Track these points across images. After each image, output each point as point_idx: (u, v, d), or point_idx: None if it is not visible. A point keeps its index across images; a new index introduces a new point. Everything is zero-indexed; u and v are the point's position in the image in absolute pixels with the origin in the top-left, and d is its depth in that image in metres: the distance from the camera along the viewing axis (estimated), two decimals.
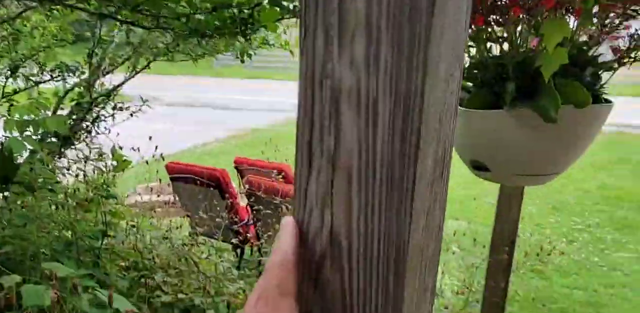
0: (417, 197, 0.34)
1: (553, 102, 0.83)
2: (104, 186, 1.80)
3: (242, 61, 1.06)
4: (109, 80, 2.41)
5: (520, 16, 0.82)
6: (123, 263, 1.93)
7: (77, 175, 1.77)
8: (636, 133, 8.14)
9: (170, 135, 7.85)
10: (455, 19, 0.35)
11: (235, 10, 0.97)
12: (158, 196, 3.99)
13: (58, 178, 1.99)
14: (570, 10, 0.79)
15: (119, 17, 0.94)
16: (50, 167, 1.96)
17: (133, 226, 1.98)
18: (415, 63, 0.32)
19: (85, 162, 1.79)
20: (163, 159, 2.14)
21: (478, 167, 1.03)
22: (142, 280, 1.85)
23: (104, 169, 1.84)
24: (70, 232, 1.70)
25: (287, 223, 0.37)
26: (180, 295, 1.78)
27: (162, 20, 0.99)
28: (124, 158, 1.77)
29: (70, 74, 2.15)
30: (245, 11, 0.94)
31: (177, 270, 1.91)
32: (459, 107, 0.96)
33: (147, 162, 2.06)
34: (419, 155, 0.33)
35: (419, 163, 0.33)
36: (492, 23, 0.83)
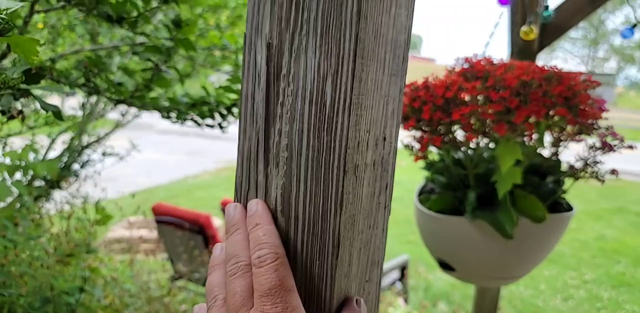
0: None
1: (509, 219, 0.84)
2: (86, 241, 1.81)
3: (223, 131, 1.10)
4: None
5: (476, 139, 0.85)
6: None
7: (59, 233, 1.78)
8: (635, 180, 8.11)
9: (162, 164, 7.89)
10: (366, 241, 0.38)
11: (214, 106, 1.01)
12: (144, 230, 3.98)
13: (42, 223, 2.00)
14: (523, 134, 0.81)
15: (109, 95, 0.97)
16: (36, 210, 1.98)
17: (113, 279, 1.98)
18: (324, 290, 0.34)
19: (69, 217, 1.81)
20: (139, 208, 2.16)
21: (444, 266, 1.04)
22: None
23: (85, 222, 1.86)
24: (48, 288, 1.70)
25: (261, 210, 0.37)
26: None
27: (145, 104, 1.03)
28: (107, 214, 1.78)
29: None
30: (223, 110, 0.98)
31: None
32: (425, 210, 0.98)
33: (121, 208, 2.08)
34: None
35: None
36: (449, 143, 0.85)
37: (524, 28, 1.22)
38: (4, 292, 1.56)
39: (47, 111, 0.67)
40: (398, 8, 0.37)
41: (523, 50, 1.46)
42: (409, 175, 4.49)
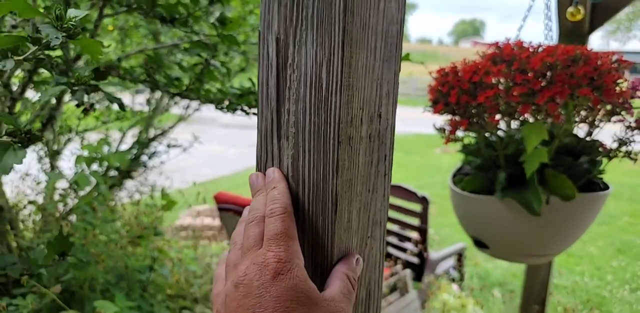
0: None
1: (536, 197, 0.87)
2: (153, 224, 1.98)
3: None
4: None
5: (503, 120, 0.88)
6: (169, 292, 2.09)
7: (129, 217, 1.96)
8: None
9: (225, 157, 8.20)
10: (365, 202, 0.45)
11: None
12: (210, 218, 4.20)
13: (116, 209, 2.20)
14: (550, 115, 0.83)
15: (167, 89, 1.09)
16: (110, 198, 2.18)
17: (179, 260, 2.14)
18: (326, 242, 0.43)
19: (138, 202, 1.99)
20: (199, 194, 2.31)
21: (478, 244, 1.08)
22: (184, 311, 2.00)
23: (153, 207, 2.03)
24: (122, 265, 1.88)
25: (277, 176, 0.45)
26: None
27: (199, 97, 1.13)
28: (171, 199, 1.94)
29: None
30: None
31: None
32: (458, 190, 1.02)
33: (183, 194, 2.25)
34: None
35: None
36: (476, 124, 0.89)
37: (570, 9, 1.22)
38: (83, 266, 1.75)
39: (112, 102, 0.79)
40: (387, 2, 0.43)
41: (572, 32, 1.44)
42: None
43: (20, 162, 0.59)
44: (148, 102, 2.46)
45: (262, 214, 0.43)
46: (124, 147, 2.74)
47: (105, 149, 2.29)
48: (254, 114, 1.14)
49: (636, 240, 4.79)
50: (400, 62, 0.47)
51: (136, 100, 2.95)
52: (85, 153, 2.15)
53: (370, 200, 0.47)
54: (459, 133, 0.98)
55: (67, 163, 2.20)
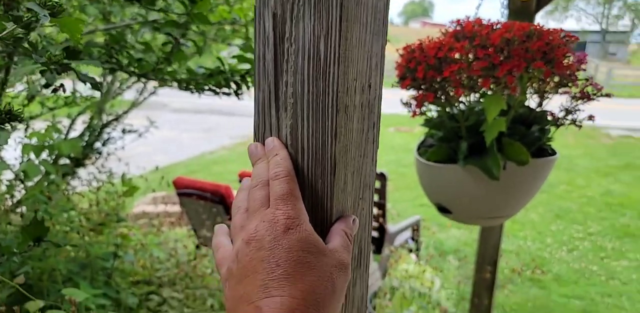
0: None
1: (495, 162, 0.95)
2: (115, 210, 1.95)
3: (239, 98, 1.19)
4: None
5: (464, 93, 0.94)
6: (132, 279, 2.08)
7: (90, 203, 1.92)
8: None
9: (178, 142, 8.05)
10: (358, 166, 0.49)
11: (229, 75, 1.11)
12: (166, 205, 4.15)
13: (72, 199, 2.14)
14: (507, 87, 0.90)
15: (132, 70, 1.08)
16: (64, 187, 2.12)
17: (142, 245, 2.12)
18: (325, 202, 0.46)
19: (98, 189, 1.95)
20: (163, 178, 2.29)
21: (441, 209, 1.15)
22: (151, 296, 2.00)
23: (114, 193, 1.99)
24: (84, 254, 1.85)
25: (277, 144, 0.47)
26: (186, 310, 1.93)
27: (165, 78, 1.13)
28: (133, 185, 1.91)
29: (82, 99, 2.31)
30: (237, 77, 1.08)
31: (184, 285, 2.05)
32: (423, 160, 1.08)
33: (145, 179, 2.22)
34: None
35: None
36: (441, 98, 0.95)
37: None
38: (43, 256, 1.71)
39: (84, 82, 0.78)
40: None
41: (520, 10, 1.53)
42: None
43: (5, 143, 0.58)
44: (97, 90, 2.37)
45: (265, 179, 0.46)
46: (73, 134, 2.64)
47: (55, 136, 2.21)
48: (224, 93, 1.15)
49: (572, 206, 5.15)
50: (386, 36, 0.51)
51: (81, 84, 2.85)
52: (33, 141, 2.07)
53: (362, 164, 0.51)
54: (423, 108, 1.04)
55: (10, 154, 2.10)
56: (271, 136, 0.49)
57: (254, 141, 0.51)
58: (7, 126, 0.57)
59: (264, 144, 0.49)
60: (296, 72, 0.46)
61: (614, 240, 4.33)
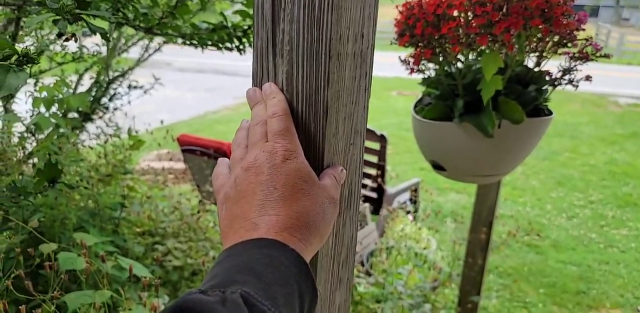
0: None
1: (490, 120, 0.97)
2: (122, 163, 2.01)
3: (241, 53, 1.21)
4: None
5: (462, 51, 0.96)
6: (138, 230, 2.16)
7: (98, 154, 1.98)
8: None
9: (181, 101, 8.06)
10: (349, 112, 0.52)
11: (231, 30, 1.12)
12: (170, 159, 4.22)
13: (81, 152, 2.20)
14: (505, 45, 0.92)
15: (138, 24, 1.10)
16: (73, 140, 2.17)
17: (148, 197, 2.19)
18: (317, 145, 0.50)
19: (106, 142, 2.00)
20: (168, 132, 2.35)
21: (436, 167, 1.19)
22: (156, 246, 2.09)
23: (120, 147, 2.05)
24: (93, 203, 1.92)
25: (274, 89, 0.51)
26: (189, 260, 2.02)
27: (169, 32, 1.15)
28: (139, 139, 1.96)
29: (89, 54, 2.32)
30: (239, 33, 1.10)
31: (187, 237, 2.13)
32: (420, 118, 1.11)
33: (151, 133, 2.28)
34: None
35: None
36: (439, 55, 0.97)
37: None
38: (54, 204, 1.78)
39: (94, 33, 0.80)
40: None
41: None
42: None
43: (25, 82, 0.62)
44: (106, 40, 2.38)
45: (263, 118, 0.49)
46: (81, 89, 2.67)
47: (64, 90, 2.24)
48: (226, 48, 1.17)
49: (575, 174, 5.17)
50: None
51: (90, 40, 2.84)
52: (43, 94, 2.10)
53: (353, 111, 0.54)
54: (421, 66, 1.06)
55: (21, 107, 2.15)
56: (268, 81, 0.52)
57: (252, 86, 0.54)
58: (26, 68, 0.61)
59: (262, 89, 0.53)
60: (292, 20, 0.48)
61: (615, 208, 4.37)
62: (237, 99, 8.44)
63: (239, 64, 10.80)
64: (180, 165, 3.91)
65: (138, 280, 1.76)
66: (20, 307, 1.04)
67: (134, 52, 2.73)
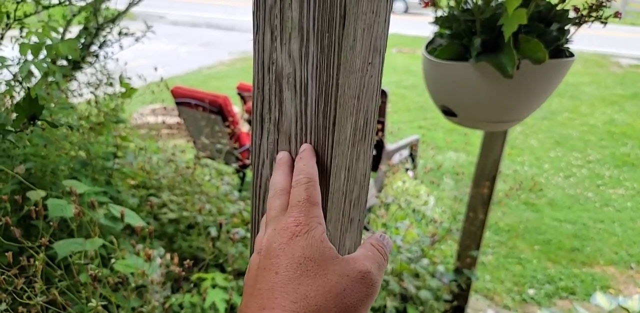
0: (336, 157, 0.46)
1: (510, 59, 0.90)
2: (114, 111, 1.92)
3: None
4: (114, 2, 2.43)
5: None
6: (132, 182, 2.11)
7: (89, 102, 1.89)
8: None
9: (175, 55, 7.84)
10: (369, 23, 0.45)
11: None
12: (164, 117, 4.14)
13: (71, 101, 2.11)
14: None
15: None
16: (64, 87, 2.08)
17: (141, 149, 2.13)
18: (332, 60, 0.43)
19: (96, 88, 1.90)
20: (167, 86, 2.24)
21: (446, 112, 1.13)
22: (150, 198, 2.04)
23: (112, 95, 1.96)
24: (84, 153, 1.85)
25: (305, 149, 0.46)
26: (184, 213, 1.98)
27: None
28: (131, 86, 1.87)
29: None
30: None
31: (182, 190, 2.09)
32: (432, 58, 1.04)
33: (152, 89, 2.17)
34: (336, 127, 0.45)
35: (336, 132, 0.45)
36: None
37: None
38: (44, 152, 1.71)
39: None
40: None
41: None
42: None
43: None
44: None
45: (285, 188, 0.45)
46: (69, 36, 2.53)
47: (53, 35, 2.12)
48: None
49: (573, 133, 5.13)
50: None
51: None
52: (32, 40, 1.98)
53: (373, 23, 0.46)
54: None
55: (8, 53, 2.03)
56: (271, 38, 0.45)
57: (252, 10, 0.46)
58: None
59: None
60: None
61: (612, 168, 4.36)
62: (233, 54, 8.23)
63: (235, 18, 10.46)
64: (175, 120, 3.82)
65: (132, 232, 1.72)
66: (6, 254, 0.99)
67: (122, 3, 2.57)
